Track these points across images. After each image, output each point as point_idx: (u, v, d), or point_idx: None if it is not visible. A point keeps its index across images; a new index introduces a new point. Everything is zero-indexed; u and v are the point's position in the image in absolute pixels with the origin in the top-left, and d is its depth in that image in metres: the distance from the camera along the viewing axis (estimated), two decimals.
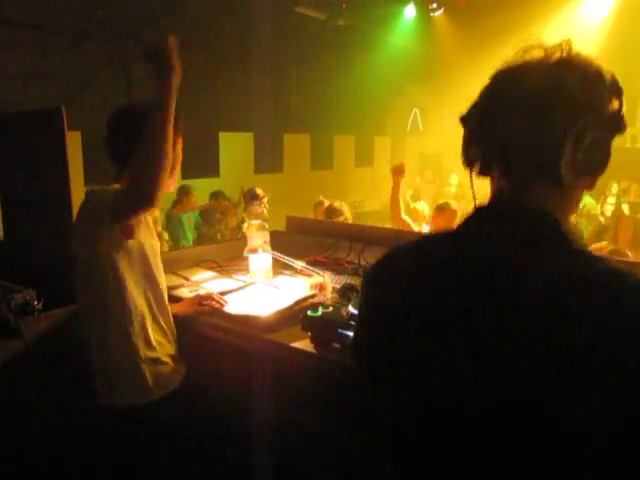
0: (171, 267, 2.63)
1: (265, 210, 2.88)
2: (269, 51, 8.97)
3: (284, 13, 9.29)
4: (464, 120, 1.09)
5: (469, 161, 1.07)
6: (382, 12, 9.99)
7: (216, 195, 7.16)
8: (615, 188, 10.37)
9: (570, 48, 1.04)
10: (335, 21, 9.88)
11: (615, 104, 1.02)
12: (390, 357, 1.08)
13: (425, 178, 11.71)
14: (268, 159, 9.16)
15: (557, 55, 1.02)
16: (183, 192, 6.97)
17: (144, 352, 1.91)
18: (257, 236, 2.61)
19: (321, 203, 6.09)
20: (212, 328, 2.11)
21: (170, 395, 1.95)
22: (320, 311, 1.90)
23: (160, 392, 1.93)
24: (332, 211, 5.25)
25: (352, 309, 1.90)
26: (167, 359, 1.98)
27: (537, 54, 1.04)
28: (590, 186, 1.04)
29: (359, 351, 1.21)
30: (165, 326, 2.01)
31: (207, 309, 2.18)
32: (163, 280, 2.03)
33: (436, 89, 12.24)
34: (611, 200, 10.06)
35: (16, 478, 2.08)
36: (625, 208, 9.69)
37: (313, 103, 9.79)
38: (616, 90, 1.03)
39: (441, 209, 4.84)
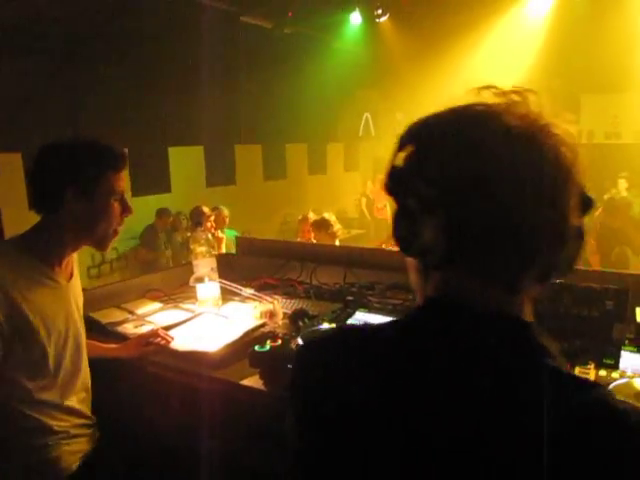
0: (115, 300, 2.54)
1: (210, 234, 2.79)
2: (217, 62, 8.85)
3: (230, 23, 9.19)
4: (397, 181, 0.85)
5: (421, 250, 0.83)
6: (328, 19, 9.98)
7: (160, 213, 6.99)
8: None
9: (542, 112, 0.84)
10: (282, 29, 9.82)
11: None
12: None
13: (379, 183, 11.73)
14: (220, 172, 9.03)
15: (530, 120, 0.82)
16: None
17: (21, 441, 1.67)
18: (203, 264, 2.53)
19: (306, 219, 5.77)
20: (159, 367, 2.02)
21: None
22: (268, 346, 1.83)
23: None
24: (322, 223, 5.19)
25: (301, 341, 1.83)
26: (54, 449, 1.72)
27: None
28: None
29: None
30: (62, 406, 1.75)
31: (152, 349, 2.08)
32: (63, 358, 1.74)
33: (386, 93, 12.31)
34: None
35: None
36: None
37: (264, 113, 9.69)
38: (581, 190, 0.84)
39: None
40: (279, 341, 1.86)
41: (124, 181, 1.80)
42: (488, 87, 0.86)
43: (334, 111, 11.67)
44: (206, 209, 6.10)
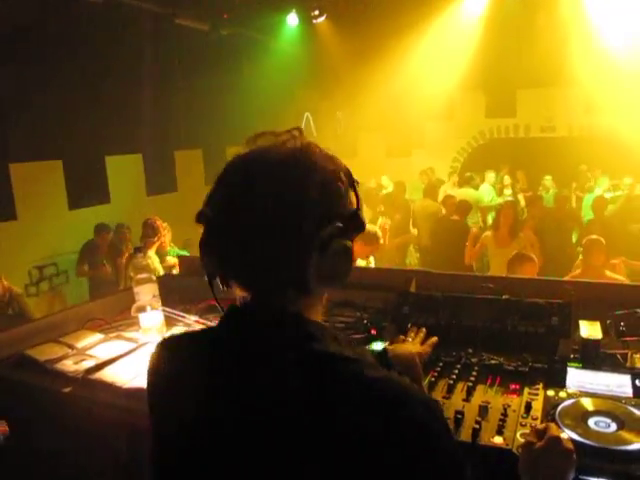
0: (53, 333, 2.42)
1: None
2: (152, 66, 8.67)
3: (165, 27, 8.99)
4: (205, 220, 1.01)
5: (210, 274, 1.02)
6: (265, 21, 9.89)
7: (99, 229, 6.67)
8: (507, 179, 10.84)
9: (302, 139, 1.01)
10: (218, 31, 9.68)
11: (353, 202, 1.01)
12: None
13: None
14: (160, 179, 8.84)
15: (289, 148, 0.98)
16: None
17: None
18: (144, 291, 2.44)
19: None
20: (104, 407, 1.93)
21: None
22: None
23: None
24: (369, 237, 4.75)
25: None
26: None
27: (268, 142, 1.01)
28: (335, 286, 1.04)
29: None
30: None
31: None
32: None
33: (326, 93, 12.32)
34: (507, 192, 10.51)
35: None
36: (520, 198, 10.13)
37: (203, 116, 9.53)
38: (352, 186, 1.02)
39: None
40: None
41: None
42: (263, 133, 1.02)
43: (274, 112, 11.58)
44: (159, 222, 5.80)
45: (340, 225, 0.96)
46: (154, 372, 1.09)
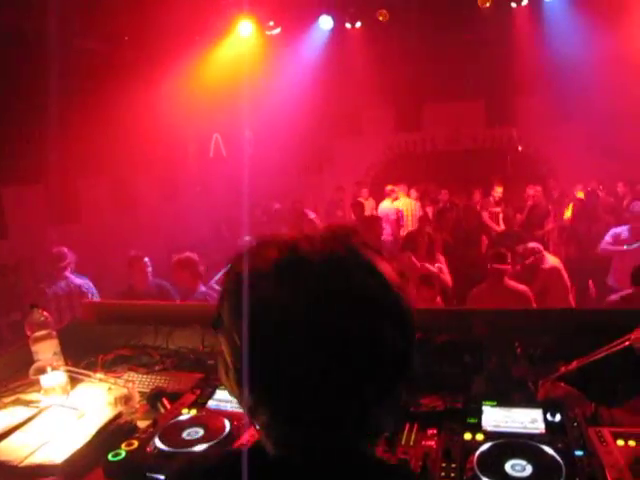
0: None
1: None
2: (53, 90, 8.26)
3: (64, 48, 8.60)
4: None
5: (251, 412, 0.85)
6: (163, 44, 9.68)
7: None
8: (413, 193, 11.07)
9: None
10: (120, 53, 9.41)
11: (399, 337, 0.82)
12: None
13: None
14: (63, 210, 8.38)
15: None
16: None
17: None
18: (43, 349, 2.27)
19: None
20: None
21: None
22: (123, 452, 1.66)
23: None
24: (187, 263, 4.90)
25: (158, 443, 1.68)
26: None
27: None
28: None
29: None
30: None
31: None
32: None
33: (234, 112, 12.21)
34: (417, 204, 10.70)
35: None
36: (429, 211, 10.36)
37: (110, 142, 9.16)
38: (401, 317, 0.83)
39: None
40: (135, 443, 1.70)
41: None
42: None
43: (184, 133, 11.36)
44: (65, 249, 5.47)
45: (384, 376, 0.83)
46: None
